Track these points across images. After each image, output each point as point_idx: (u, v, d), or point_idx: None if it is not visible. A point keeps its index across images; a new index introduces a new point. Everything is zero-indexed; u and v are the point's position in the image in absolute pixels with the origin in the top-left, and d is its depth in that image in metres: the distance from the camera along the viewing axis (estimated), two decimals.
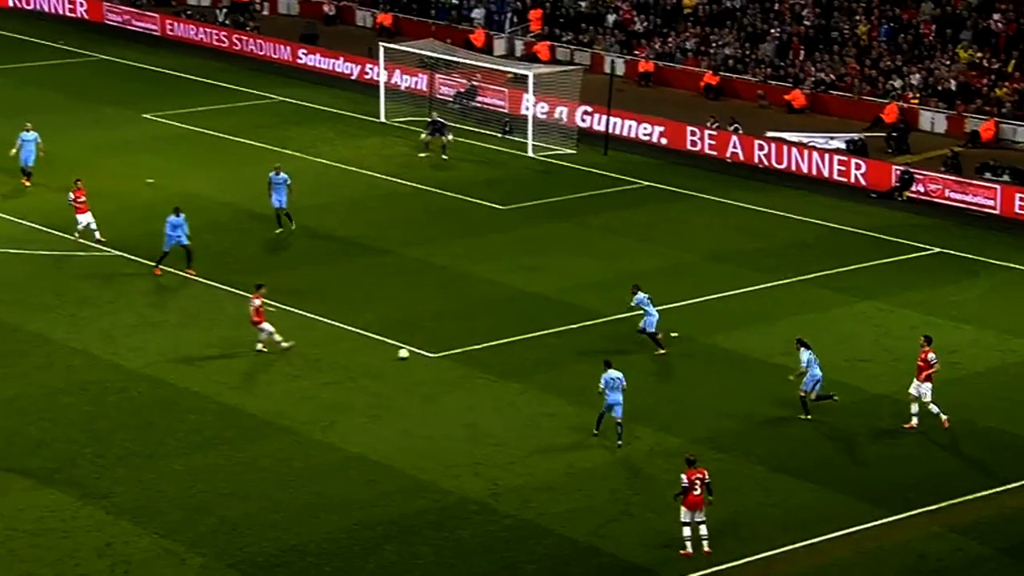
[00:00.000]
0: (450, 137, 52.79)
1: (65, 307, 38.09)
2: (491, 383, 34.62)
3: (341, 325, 37.56)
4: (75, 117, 57.03)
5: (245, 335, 36.33)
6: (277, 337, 35.61)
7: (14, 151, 46.73)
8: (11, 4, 76.90)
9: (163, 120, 57.02)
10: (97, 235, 42.42)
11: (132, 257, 41.73)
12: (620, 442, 31.36)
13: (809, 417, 32.63)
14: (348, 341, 36.78)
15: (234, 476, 29.95)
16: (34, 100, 59.44)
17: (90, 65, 66.54)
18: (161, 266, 40.52)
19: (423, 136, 53.39)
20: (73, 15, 75.00)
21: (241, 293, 38.04)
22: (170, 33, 71.99)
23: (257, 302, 35.63)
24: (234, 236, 44.08)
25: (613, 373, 31.49)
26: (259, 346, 35.59)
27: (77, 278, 40.17)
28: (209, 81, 63.64)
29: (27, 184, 45.76)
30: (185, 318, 37.80)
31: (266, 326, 35.58)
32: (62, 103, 59.13)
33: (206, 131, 55.62)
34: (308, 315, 37.98)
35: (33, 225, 43.94)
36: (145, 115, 57.57)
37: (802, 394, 32.77)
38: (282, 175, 44.30)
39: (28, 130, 47.00)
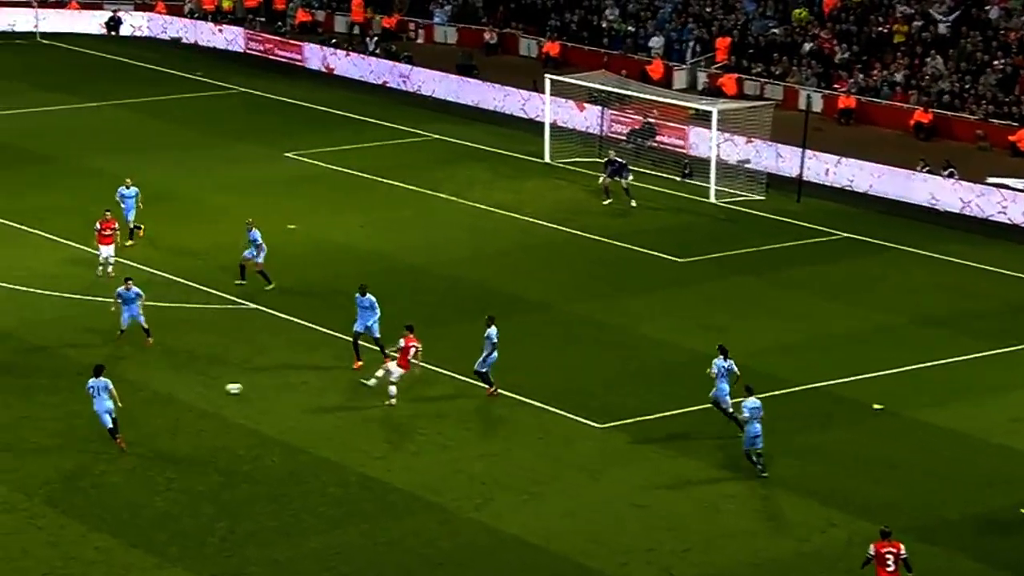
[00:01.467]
0: (630, 178, 52.72)
1: (195, 364, 38.63)
2: (665, 458, 34.28)
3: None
4: (209, 154, 58.13)
5: (385, 399, 36.51)
6: (393, 389, 36.02)
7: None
8: (149, 33, 78.87)
9: (305, 159, 57.84)
10: (110, 270, 43.19)
11: (269, 311, 42.22)
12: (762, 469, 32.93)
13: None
14: (503, 408, 36.74)
15: (376, 557, 29.99)
16: (166, 135, 60.77)
17: (229, 98, 67.85)
18: (301, 322, 40.92)
19: (601, 180, 53.34)
20: (215, 45, 76.59)
21: (388, 351, 38.22)
22: (315, 64, 73.16)
23: (403, 343, 36.06)
24: (382, 288, 44.36)
25: (754, 401, 32.84)
26: (372, 381, 36.13)
27: (208, 332, 40.72)
28: (357, 116, 64.45)
29: (130, 243, 46.38)
30: (325, 379, 38.09)
31: (393, 369, 35.93)
32: (196, 139, 60.34)
33: (352, 171, 56.28)
34: (459, 377, 38.04)
35: (159, 273, 44.71)
36: (287, 153, 58.46)
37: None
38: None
39: (128, 186, 47.54)
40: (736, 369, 35.47)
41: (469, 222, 50.95)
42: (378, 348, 38.16)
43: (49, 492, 31.89)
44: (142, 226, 46.97)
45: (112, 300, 39.84)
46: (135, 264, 45.30)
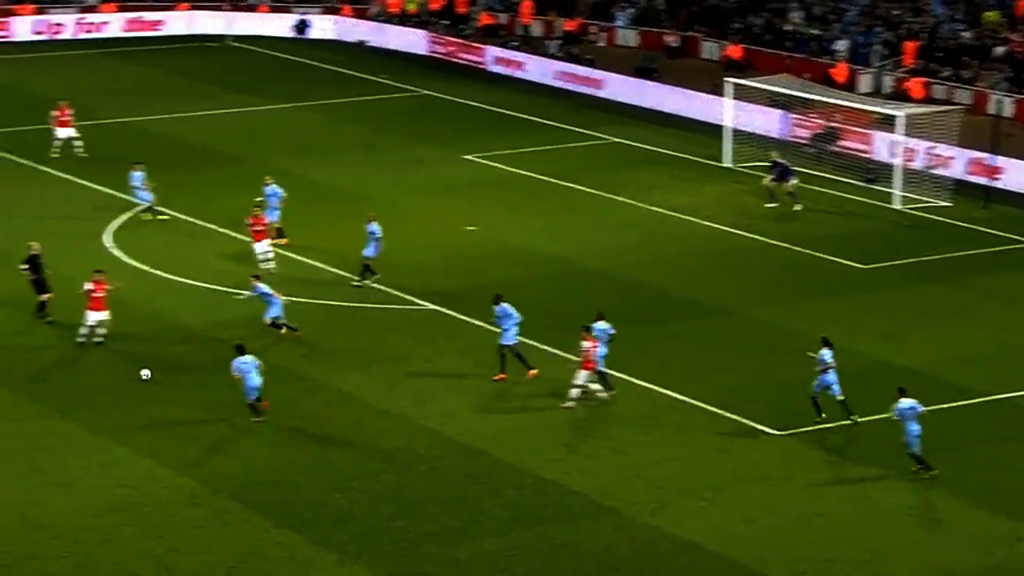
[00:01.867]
0: (794, 181, 52.29)
1: (377, 365, 39.09)
2: (843, 466, 33.95)
3: (672, 394, 37.46)
4: (390, 156, 58.74)
5: (557, 398, 36.65)
6: (574, 392, 36.31)
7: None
8: (335, 36, 79.98)
9: (485, 162, 58.21)
10: (271, 266, 44.09)
11: (448, 312, 42.59)
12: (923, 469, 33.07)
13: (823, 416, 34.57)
14: (680, 413, 36.65)
15: (552, 560, 30.11)
16: (349, 137, 61.56)
17: (411, 100, 68.52)
18: (479, 323, 41.20)
19: (765, 181, 53.04)
20: (399, 48, 77.42)
21: (564, 355, 38.32)
22: (498, 66, 73.60)
23: (586, 345, 36.19)
24: (560, 292, 44.56)
25: (907, 402, 33.11)
26: (572, 397, 36.27)
27: (390, 333, 41.18)
28: (537, 119, 64.70)
29: (284, 241, 46.89)
30: (505, 381, 38.25)
31: (580, 373, 36.25)
32: (378, 141, 61.02)
33: (531, 174, 56.50)
34: (636, 382, 38.03)
35: (341, 272, 45.26)
36: (466, 156, 58.90)
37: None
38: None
39: (268, 184, 47.93)
40: (830, 360, 35.45)
41: (647, 226, 50.89)
42: (516, 357, 38.06)
43: (234, 488, 32.49)
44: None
45: (245, 295, 40.22)
46: (320, 264, 45.97)
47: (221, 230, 48.71)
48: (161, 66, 73.81)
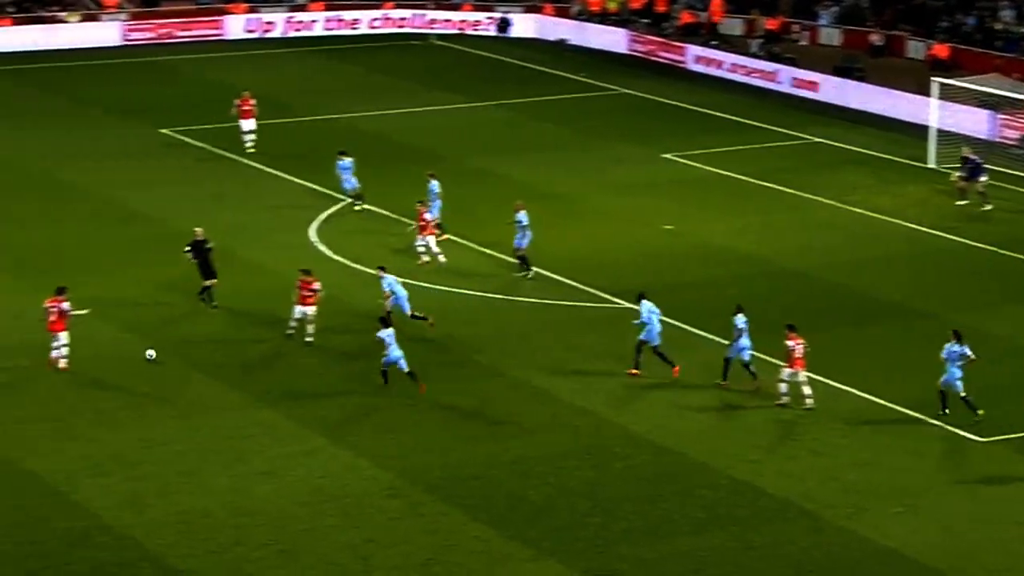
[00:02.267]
0: (984, 179, 51.29)
1: (573, 362, 39.22)
2: None
3: (871, 397, 37.01)
4: (589, 155, 58.84)
5: (766, 405, 36.40)
6: (783, 387, 36.21)
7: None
8: (537, 34, 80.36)
9: (684, 161, 58.02)
10: (440, 259, 44.84)
11: None
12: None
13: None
14: (879, 416, 36.19)
15: (746, 562, 29.94)
16: (548, 135, 61.80)
17: (610, 99, 68.57)
18: (675, 323, 41.12)
19: (954, 177, 52.15)
20: (599, 46, 77.56)
21: (765, 357, 38.06)
22: (698, 65, 73.32)
23: (790, 343, 36.18)
24: (758, 292, 44.26)
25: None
26: (783, 392, 36.36)
27: (587, 331, 41.28)
28: (737, 119, 64.34)
29: (443, 236, 47.05)
30: (698, 379, 38.11)
31: (785, 371, 36.31)
32: (577, 140, 61.16)
33: (731, 174, 56.20)
34: (834, 384, 37.63)
35: (542, 271, 45.44)
36: (665, 155, 58.76)
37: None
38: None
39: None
40: (971, 353, 35.00)
41: (848, 227, 50.31)
42: (658, 356, 38.09)
43: (432, 481, 32.83)
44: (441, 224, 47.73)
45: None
46: (503, 256, 46.20)
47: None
48: (365, 64, 74.83)
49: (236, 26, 79.79)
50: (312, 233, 48.71)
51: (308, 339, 39.67)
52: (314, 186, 53.08)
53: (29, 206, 51.15)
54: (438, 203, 47.75)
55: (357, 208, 50.55)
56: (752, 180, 55.43)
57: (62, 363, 37.85)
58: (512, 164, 57.01)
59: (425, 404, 36.44)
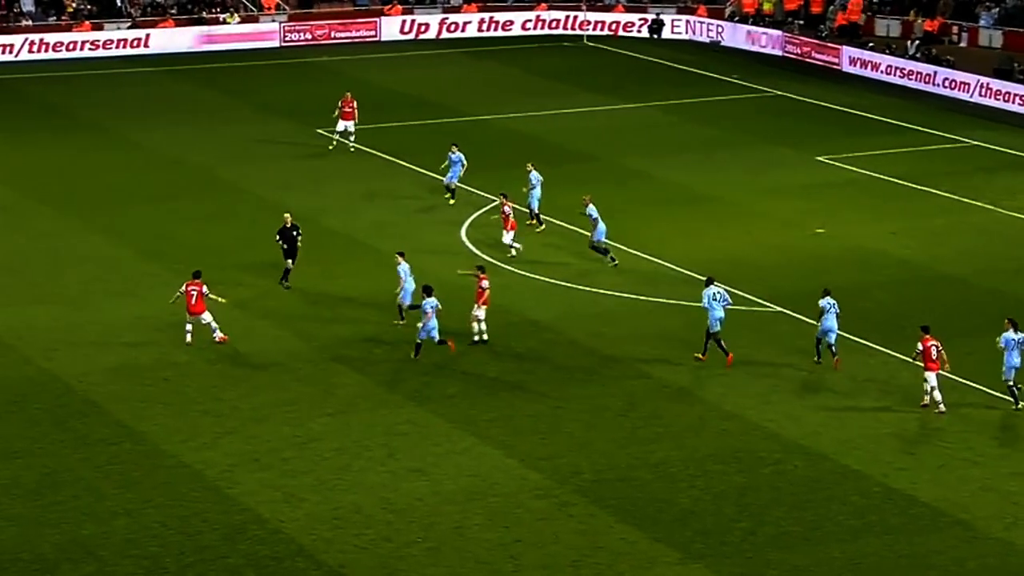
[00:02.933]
0: None
1: (720, 364, 39.00)
2: None
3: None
4: (741, 157, 58.53)
5: (917, 411, 35.98)
6: (938, 396, 35.96)
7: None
8: (689, 36, 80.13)
9: (838, 164, 57.48)
10: (512, 252, 45.92)
11: (793, 314, 42.23)
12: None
13: None
14: None
15: (898, 571, 29.57)
16: (699, 137, 61.57)
17: (763, 101, 68.14)
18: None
19: None
20: (752, 46, 77.16)
21: (910, 360, 37.58)
22: (854, 67, 72.59)
23: (921, 346, 36.08)
24: (913, 297, 43.77)
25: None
26: (942, 406, 36.07)
27: (736, 334, 40.99)
28: (893, 121, 63.63)
29: (540, 228, 48.60)
30: (852, 385, 37.82)
31: (929, 377, 36.15)
32: (729, 141, 60.86)
33: (885, 177, 55.57)
34: (990, 392, 37.06)
35: (690, 273, 45.32)
36: (819, 157, 58.27)
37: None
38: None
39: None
40: None
41: (1007, 233, 49.50)
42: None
43: (580, 482, 32.87)
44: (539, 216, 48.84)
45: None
46: (665, 263, 46.10)
47: (570, 227, 49.26)
48: (519, 65, 75.10)
49: (391, 28, 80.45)
50: (463, 234, 48.99)
51: (481, 338, 39.83)
52: (466, 187, 53.34)
53: (193, 205, 51.98)
54: (537, 192, 48.66)
55: (450, 202, 51.37)
56: (906, 183, 54.77)
57: (218, 335, 39.11)
58: (665, 166, 56.89)
59: (572, 405, 36.50)
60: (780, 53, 76.32)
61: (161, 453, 33.92)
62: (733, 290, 43.70)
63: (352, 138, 58.08)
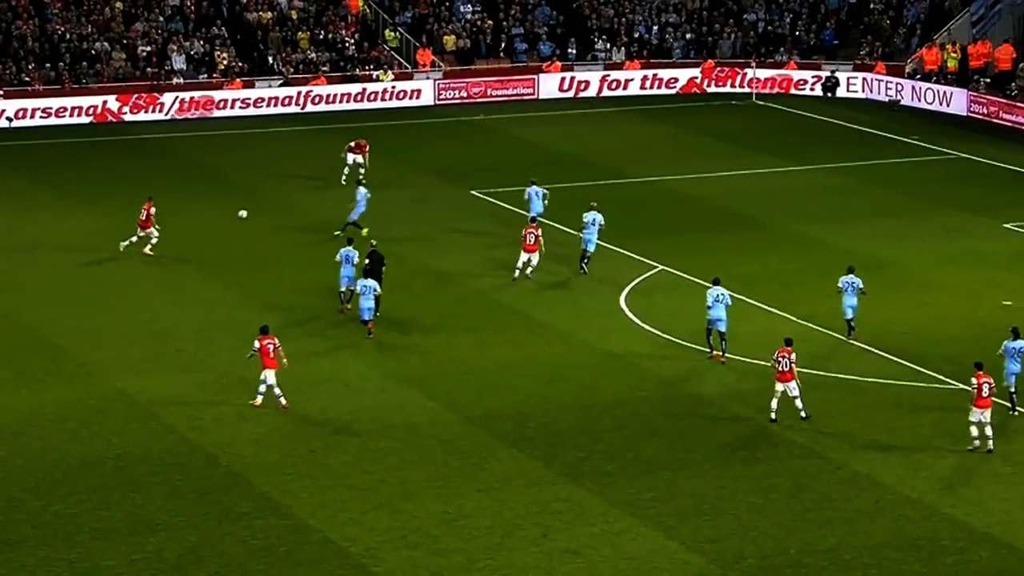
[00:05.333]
0: None
1: (899, 444, 38.53)
2: None
3: None
4: (923, 222, 58.01)
5: None
6: (989, 431, 36.99)
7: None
8: (866, 94, 79.72)
9: None
10: (528, 272, 49.81)
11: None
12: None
13: None
14: None
15: None
16: (878, 201, 61.13)
17: (946, 164, 67.52)
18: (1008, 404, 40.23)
19: None
20: (935, 106, 76.61)
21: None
22: None
23: (977, 380, 37.48)
24: None
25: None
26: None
27: (913, 410, 40.57)
28: None
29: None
30: None
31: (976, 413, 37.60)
32: (910, 207, 60.36)
33: None
34: None
35: (869, 348, 44.93)
36: (1007, 224, 57.57)
37: None
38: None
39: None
40: None
41: None
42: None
43: (745, 568, 32.62)
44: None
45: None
46: (841, 335, 45.77)
47: (738, 296, 49.13)
48: (684, 124, 75.25)
49: (550, 85, 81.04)
50: (622, 301, 49.07)
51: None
52: (627, 252, 53.44)
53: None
54: (594, 231, 51.17)
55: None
56: None
57: (283, 401, 40.22)
58: (839, 231, 56.55)
59: (737, 485, 36.29)
60: (965, 113, 75.62)
61: (306, 528, 34.28)
62: (911, 365, 43.39)
63: (363, 170, 61.11)
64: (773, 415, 39.45)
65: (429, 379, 42.73)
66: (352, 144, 62.46)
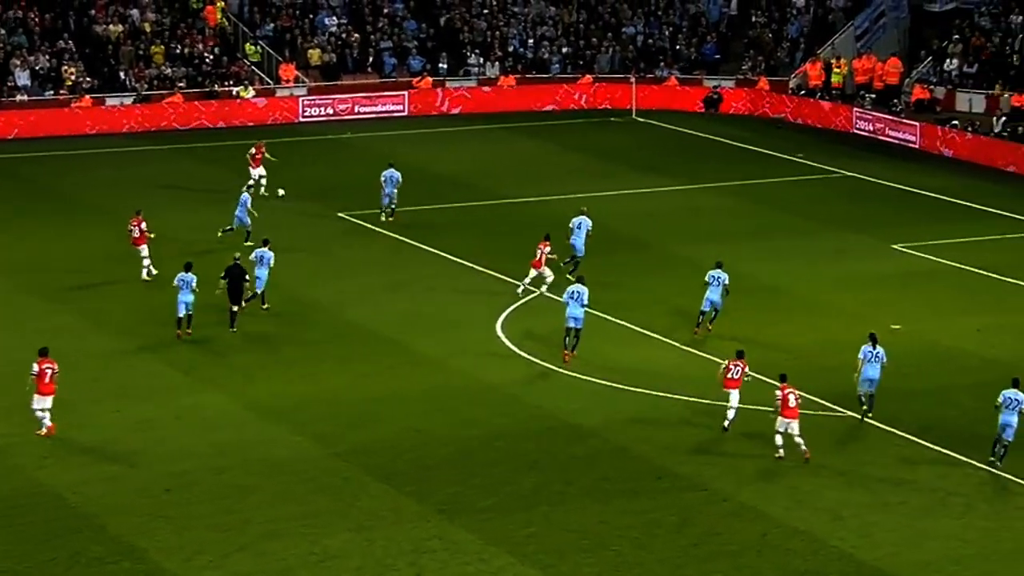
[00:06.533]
0: None
1: (786, 476, 38.83)
2: None
3: None
4: (809, 245, 58.57)
5: (1001, 526, 35.76)
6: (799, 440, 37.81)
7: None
8: (749, 111, 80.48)
9: (916, 252, 57.48)
10: (528, 287, 49.67)
11: (872, 422, 42.08)
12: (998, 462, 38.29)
13: None
14: None
15: None
16: (762, 221, 61.66)
17: (832, 183, 68.28)
18: (904, 435, 40.65)
19: None
20: (819, 124, 77.49)
21: (1001, 473, 37.40)
22: (932, 145, 72.70)
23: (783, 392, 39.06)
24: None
25: (1015, 392, 38.51)
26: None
27: (804, 439, 40.96)
28: (977, 206, 63.68)
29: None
30: (932, 499, 37.60)
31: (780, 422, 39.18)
32: (795, 226, 60.93)
33: (969, 267, 55.52)
34: None
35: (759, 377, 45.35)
36: (895, 245, 58.27)
37: None
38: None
39: (582, 213, 54.03)
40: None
41: None
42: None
43: None
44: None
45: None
46: (711, 355, 46.04)
47: (617, 321, 49.30)
48: (560, 141, 75.54)
49: (421, 101, 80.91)
50: (499, 327, 49.09)
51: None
52: (504, 276, 53.49)
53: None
54: (581, 235, 53.12)
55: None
56: (994, 275, 54.70)
57: (47, 426, 40.09)
58: (723, 252, 56.72)
59: (620, 520, 36.36)
60: (850, 130, 76.53)
61: (162, 572, 33.90)
62: (802, 394, 43.69)
63: (264, 182, 62.32)
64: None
65: (295, 412, 42.47)
66: (251, 154, 63.33)
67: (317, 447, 40.20)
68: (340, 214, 61.75)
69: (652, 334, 48.32)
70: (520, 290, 50.80)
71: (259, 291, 49.55)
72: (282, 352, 47.00)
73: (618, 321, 49.22)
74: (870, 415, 41.83)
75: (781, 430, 39.50)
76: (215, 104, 78.43)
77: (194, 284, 47.35)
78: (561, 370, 45.36)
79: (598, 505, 37.13)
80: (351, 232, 59.70)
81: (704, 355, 46.50)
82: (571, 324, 45.65)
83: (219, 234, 56.33)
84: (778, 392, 39.64)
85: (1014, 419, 38.78)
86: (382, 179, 60.13)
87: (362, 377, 45.05)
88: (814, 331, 49.12)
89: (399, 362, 46.00)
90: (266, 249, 49.99)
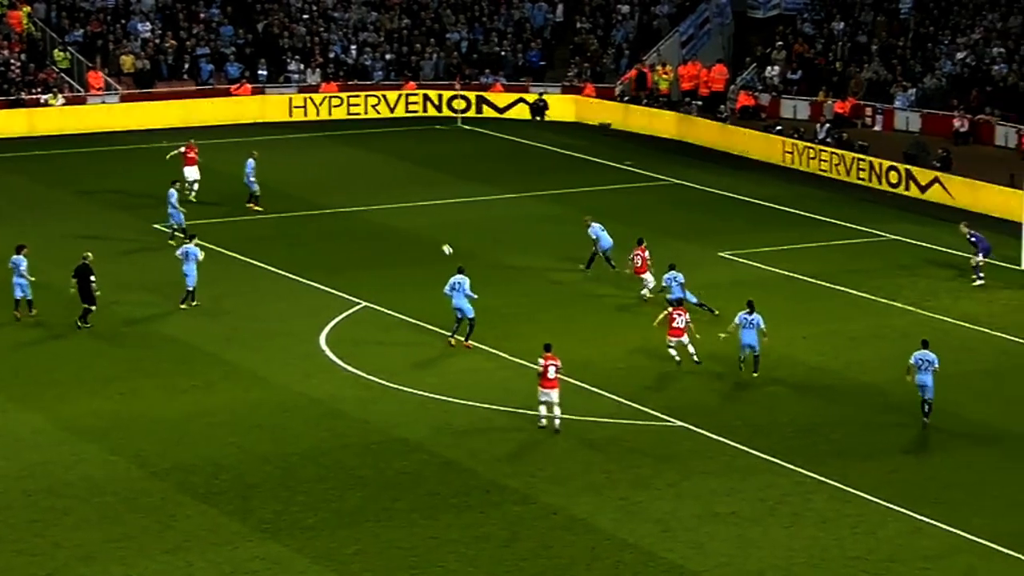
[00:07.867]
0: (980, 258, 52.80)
1: (616, 488, 39.14)
2: None
3: (957, 531, 36.87)
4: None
5: (828, 535, 36.31)
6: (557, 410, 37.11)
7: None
8: (576, 118, 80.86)
9: (742, 260, 58.18)
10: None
11: (699, 431, 42.51)
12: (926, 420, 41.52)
13: None
14: (965, 553, 36.07)
15: None
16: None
17: (659, 191, 68.89)
18: (735, 444, 41.09)
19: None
20: (646, 131, 78.15)
21: (819, 478, 37.88)
22: (759, 153, 73.64)
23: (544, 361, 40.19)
24: (826, 408, 44.22)
25: (923, 355, 41.81)
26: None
27: (630, 452, 41.23)
28: (803, 213, 64.57)
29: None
30: (761, 508, 38.06)
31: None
32: (623, 236, 61.29)
33: (794, 275, 56.31)
34: (915, 516, 37.49)
35: (579, 384, 45.50)
36: (720, 253, 58.94)
37: None
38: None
39: (590, 224, 56.02)
40: None
41: (931, 336, 50.12)
42: None
43: None
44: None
45: None
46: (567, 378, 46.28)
47: (442, 331, 49.33)
48: (383, 150, 75.44)
49: (239, 109, 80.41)
50: (323, 340, 48.92)
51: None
52: (327, 288, 53.29)
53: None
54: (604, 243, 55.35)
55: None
56: (820, 282, 55.50)
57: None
58: (551, 261, 57.21)
59: (448, 535, 36.40)
60: (676, 137, 77.26)
61: None
62: (629, 402, 44.06)
63: (195, 187, 63.01)
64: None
65: (110, 431, 41.99)
66: (182, 151, 64.32)
67: (134, 467, 39.78)
68: (156, 226, 61.10)
69: (480, 345, 48.39)
70: (646, 299, 52.60)
71: (189, 288, 51.07)
72: (98, 368, 46.45)
73: (443, 332, 49.24)
74: (755, 374, 45.81)
75: (543, 400, 41.68)
76: (22, 113, 77.30)
77: (23, 268, 49.18)
78: (387, 383, 45.29)
79: (426, 521, 37.13)
80: (164, 245, 59.06)
81: (531, 365, 46.62)
82: (459, 315, 47.79)
83: (170, 241, 57.43)
84: (540, 361, 41.67)
85: (929, 379, 42.08)
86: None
87: (181, 393, 44.67)
88: (641, 340, 49.43)
89: (219, 377, 45.67)
90: (191, 245, 51.41)
